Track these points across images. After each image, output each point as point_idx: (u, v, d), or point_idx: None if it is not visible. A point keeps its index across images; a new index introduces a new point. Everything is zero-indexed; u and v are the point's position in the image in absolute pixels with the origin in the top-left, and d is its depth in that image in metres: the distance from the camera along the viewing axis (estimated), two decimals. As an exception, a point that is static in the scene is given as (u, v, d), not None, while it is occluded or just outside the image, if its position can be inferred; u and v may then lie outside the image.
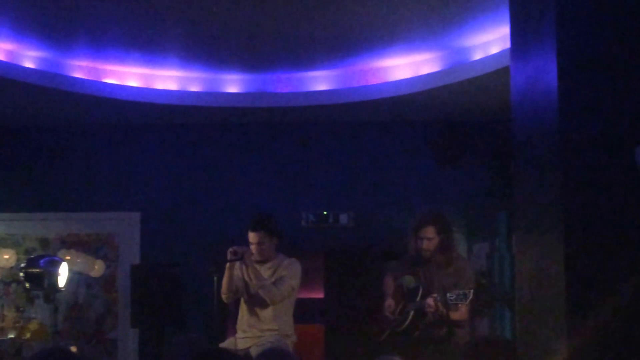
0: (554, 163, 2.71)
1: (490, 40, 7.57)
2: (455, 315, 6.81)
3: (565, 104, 2.67)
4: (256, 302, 7.10)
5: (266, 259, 7.14)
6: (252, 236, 7.11)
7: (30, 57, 7.95)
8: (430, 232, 7.14)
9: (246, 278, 7.12)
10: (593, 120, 2.67)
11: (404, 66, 8.24)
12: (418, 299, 7.09)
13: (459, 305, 6.73)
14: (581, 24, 2.68)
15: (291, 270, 7.15)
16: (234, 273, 7.14)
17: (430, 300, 6.86)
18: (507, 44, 7.37)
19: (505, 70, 7.36)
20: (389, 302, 7.31)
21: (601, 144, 2.65)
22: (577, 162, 2.66)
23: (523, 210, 3.06)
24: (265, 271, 7.10)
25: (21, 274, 8.29)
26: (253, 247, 7.08)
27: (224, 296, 7.18)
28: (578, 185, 2.65)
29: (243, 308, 7.24)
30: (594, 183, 2.64)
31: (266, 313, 7.09)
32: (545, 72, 2.76)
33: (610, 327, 2.56)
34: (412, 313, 7.11)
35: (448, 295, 6.69)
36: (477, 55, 7.74)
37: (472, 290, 6.69)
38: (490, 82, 7.79)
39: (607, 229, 2.62)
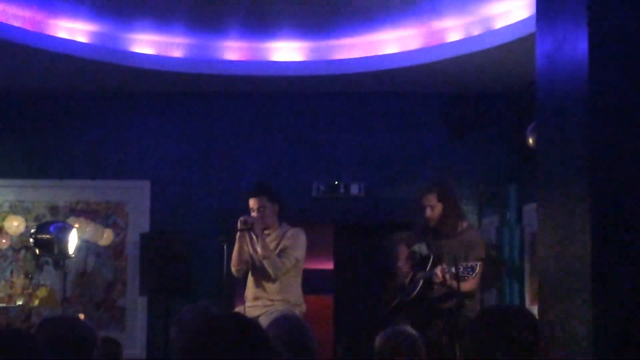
0: (581, 130, 2.65)
1: (507, 11, 7.50)
2: (464, 286, 6.80)
3: (596, 70, 2.60)
4: (262, 274, 7.08)
5: (268, 226, 7.11)
6: (252, 202, 7.08)
7: (39, 22, 7.91)
8: (431, 199, 7.16)
9: (251, 251, 7.10)
10: (625, 87, 2.61)
11: (418, 36, 8.18)
12: (428, 268, 7.10)
13: (467, 276, 6.73)
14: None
15: (295, 241, 7.11)
16: (243, 245, 7.12)
17: (438, 271, 6.87)
18: (521, 14, 7.40)
19: (520, 41, 7.34)
20: (401, 263, 7.31)
21: (633, 111, 2.59)
22: (605, 129, 2.59)
23: (546, 179, 3.00)
24: (269, 242, 7.07)
25: (31, 240, 8.30)
26: (254, 214, 7.05)
27: (234, 269, 7.16)
28: (606, 153, 2.59)
29: (250, 279, 7.23)
30: (623, 151, 2.58)
31: (272, 285, 7.07)
32: (574, 35, 2.70)
33: (637, 297, 2.52)
34: (421, 282, 7.13)
35: (454, 268, 6.69)
36: (494, 26, 7.67)
37: (479, 264, 6.69)
38: (505, 53, 7.74)
39: (635, 198, 2.57)
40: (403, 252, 7.46)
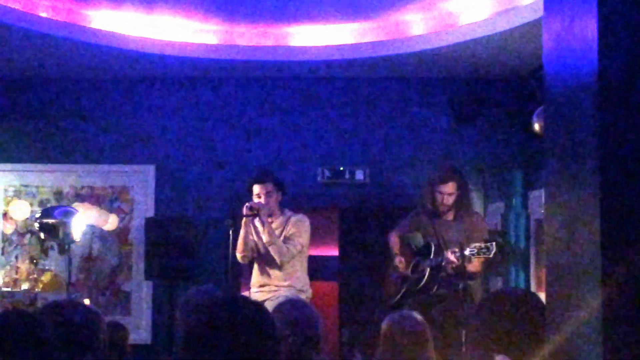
0: (590, 114, 2.62)
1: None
2: (469, 268, 6.82)
3: (605, 52, 2.57)
4: (267, 261, 7.09)
5: (273, 212, 7.12)
6: (259, 188, 7.10)
7: (44, 6, 7.88)
8: (451, 187, 7.19)
9: (255, 238, 7.11)
10: (635, 69, 2.57)
11: (423, 21, 8.14)
12: (432, 255, 7.10)
13: (484, 257, 6.73)
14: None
15: (300, 227, 7.14)
16: (249, 231, 7.13)
17: (450, 255, 6.86)
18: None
19: (527, 26, 7.31)
20: (399, 258, 7.33)
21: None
22: (615, 113, 2.56)
23: (554, 164, 2.97)
24: (273, 229, 7.09)
25: (36, 225, 8.30)
26: (259, 200, 7.07)
27: (239, 255, 7.16)
28: (616, 137, 2.56)
29: (255, 266, 7.24)
30: (634, 135, 2.55)
31: (277, 272, 7.09)
32: (583, 16, 2.67)
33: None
34: (427, 271, 7.12)
35: (468, 250, 6.70)
36: (500, 11, 7.62)
37: (494, 243, 6.70)
38: (512, 38, 7.71)
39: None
40: (395, 243, 7.47)
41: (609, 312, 2.49)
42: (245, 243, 7.15)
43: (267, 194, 7.09)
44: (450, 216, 7.24)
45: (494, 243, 6.74)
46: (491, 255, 6.70)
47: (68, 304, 4.22)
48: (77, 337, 3.78)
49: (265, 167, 8.15)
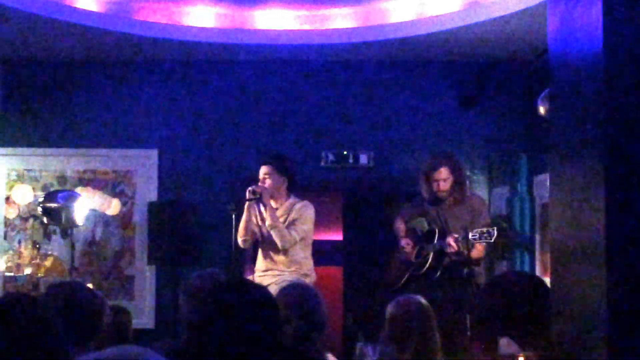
0: (596, 96, 2.60)
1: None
2: (473, 254, 6.81)
3: (610, 33, 2.55)
4: (271, 246, 7.08)
5: (274, 195, 7.12)
6: (262, 169, 7.13)
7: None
8: (444, 173, 7.18)
9: (259, 222, 7.10)
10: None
11: (427, 3, 8.11)
12: (435, 240, 7.10)
13: (485, 242, 6.73)
14: None
15: (303, 214, 7.13)
16: (251, 216, 7.12)
17: (451, 240, 6.86)
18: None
19: (531, 9, 7.27)
20: (406, 241, 7.33)
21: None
22: (621, 95, 2.54)
23: (560, 145, 2.95)
24: (277, 215, 7.08)
25: (39, 209, 8.30)
26: (262, 183, 7.09)
27: (240, 239, 7.16)
28: (622, 119, 2.54)
29: (260, 251, 7.24)
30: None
31: (282, 257, 7.08)
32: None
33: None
34: (430, 255, 7.12)
35: (470, 234, 6.69)
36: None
37: (495, 228, 6.70)
38: (516, 21, 7.67)
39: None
40: (401, 228, 7.47)
41: (614, 295, 2.48)
42: (247, 227, 7.14)
43: (266, 176, 7.10)
44: (451, 201, 7.22)
45: (495, 228, 6.74)
46: (492, 240, 6.70)
47: (72, 285, 4.21)
48: (80, 323, 3.77)
49: (276, 151, 8.17)
